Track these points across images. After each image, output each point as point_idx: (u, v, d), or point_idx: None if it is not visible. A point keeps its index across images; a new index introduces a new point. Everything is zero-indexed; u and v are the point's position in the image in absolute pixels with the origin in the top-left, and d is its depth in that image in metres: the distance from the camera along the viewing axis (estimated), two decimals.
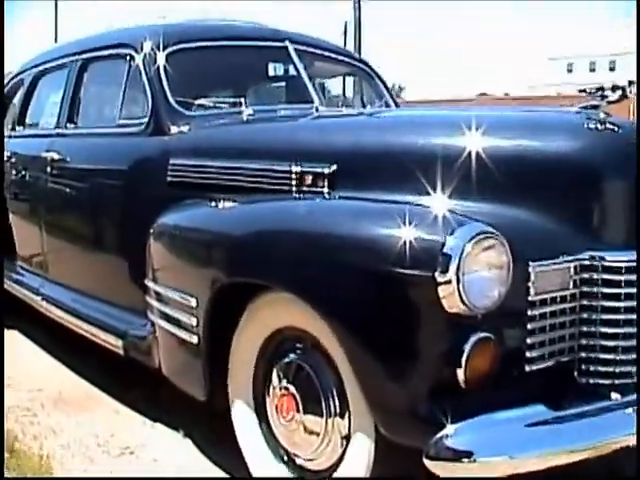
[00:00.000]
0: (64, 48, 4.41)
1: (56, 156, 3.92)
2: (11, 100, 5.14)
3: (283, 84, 3.98)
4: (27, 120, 4.80)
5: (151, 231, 2.91)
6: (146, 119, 3.34)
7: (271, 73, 3.96)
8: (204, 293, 2.55)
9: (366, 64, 4.21)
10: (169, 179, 3.11)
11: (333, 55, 4.09)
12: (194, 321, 2.60)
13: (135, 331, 3.15)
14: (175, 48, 3.45)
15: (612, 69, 61.57)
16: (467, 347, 1.95)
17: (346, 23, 19.42)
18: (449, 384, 1.97)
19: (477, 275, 1.94)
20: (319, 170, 2.57)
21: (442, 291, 1.91)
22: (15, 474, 2.73)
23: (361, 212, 2.26)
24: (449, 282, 1.90)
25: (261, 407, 2.55)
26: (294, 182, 2.64)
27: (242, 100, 3.37)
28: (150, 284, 2.92)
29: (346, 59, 4.17)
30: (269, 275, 2.36)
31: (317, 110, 3.45)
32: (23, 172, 4.44)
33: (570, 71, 65.40)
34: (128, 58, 3.52)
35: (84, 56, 4.00)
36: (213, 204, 2.76)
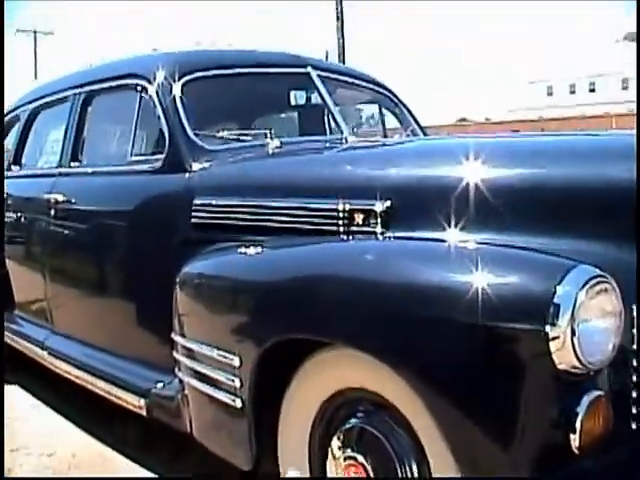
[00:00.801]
0: (64, 81, 4.09)
1: (60, 197, 3.61)
2: (4, 138, 4.84)
3: (306, 113, 3.69)
4: (24, 159, 4.49)
5: (177, 280, 2.60)
6: (163, 155, 3.05)
7: (293, 102, 3.69)
8: (249, 351, 2.25)
9: (390, 91, 3.95)
10: (194, 221, 2.81)
11: (357, 82, 3.83)
12: (237, 382, 2.29)
13: (160, 390, 2.83)
14: (191, 77, 3.17)
15: (592, 90, 62.22)
16: (581, 409, 1.68)
17: (327, 52, 19.21)
18: (560, 451, 1.70)
19: (592, 326, 1.68)
20: (371, 207, 2.29)
21: (553, 346, 1.64)
22: None
23: (440, 256, 1.96)
24: (561, 336, 1.63)
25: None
26: (342, 221, 2.35)
27: (267, 132, 3.10)
28: (178, 339, 2.61)
29: (370, 85, 3.90)
30: (333, 331, 2.04)
31: (347, 141, 3.19)
32: (20, 214, 4.14)
33: (550, 94, 65.87)
34: (139, 89, 3.23)
35: (88, 88, 3.70)
36: (249, 249, 2.46)
